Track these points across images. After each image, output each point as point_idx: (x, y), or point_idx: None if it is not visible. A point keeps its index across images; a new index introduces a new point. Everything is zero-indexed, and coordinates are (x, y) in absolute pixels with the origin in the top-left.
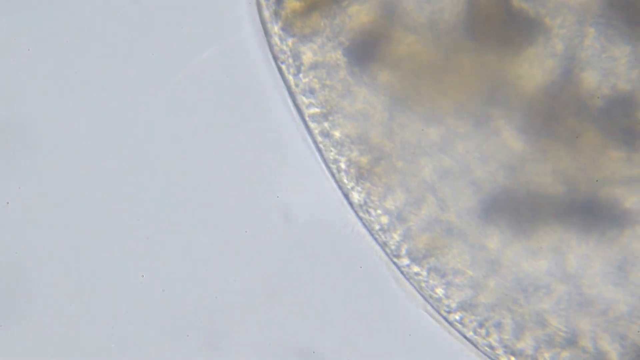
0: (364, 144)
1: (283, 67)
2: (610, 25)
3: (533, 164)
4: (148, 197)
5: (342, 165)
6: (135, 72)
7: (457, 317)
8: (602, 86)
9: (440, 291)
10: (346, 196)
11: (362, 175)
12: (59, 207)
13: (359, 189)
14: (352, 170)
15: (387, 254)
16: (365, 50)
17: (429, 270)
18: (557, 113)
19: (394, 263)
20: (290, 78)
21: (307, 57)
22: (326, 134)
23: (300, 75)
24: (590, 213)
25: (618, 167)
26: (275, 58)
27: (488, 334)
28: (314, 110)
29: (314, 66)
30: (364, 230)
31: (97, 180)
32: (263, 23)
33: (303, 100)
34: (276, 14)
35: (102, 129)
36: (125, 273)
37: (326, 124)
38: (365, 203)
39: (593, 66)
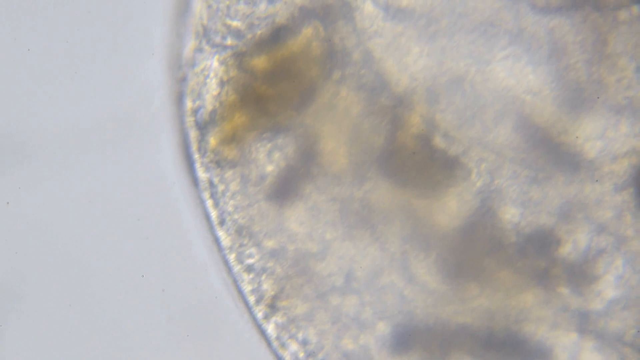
0: (277, 276)
1: (205, 195)
2: (528, 164)
3: (448, 300)
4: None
5: (253, 298)
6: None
7: None
8: (520, 224)
9: None
10: (260, 327)
11: (272, 307)
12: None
13: (272, 320)
14: (263, 306)
15: None
16: (285, 186)
17: None
18: (474, 251)
19: None
20: (211, 206)
21: (229, 186)
22: (243, 264)
23: (220, 203)
24: (506, 349)
25: (533, 305)
26: (195, 184)
27: None
28: (228, 241)
29: (234, 196)
30: None
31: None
32: (186, 149)
33: (221, 232)
34: (202, 140)
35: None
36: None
37: (240, 256)
38: (278, 337)
39: (510, 205)
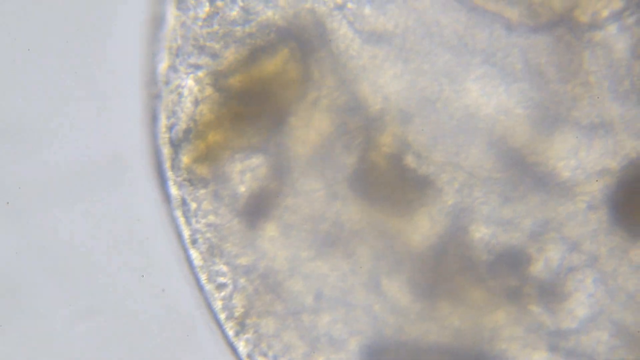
0: (247, 294)
1: (178, 214)
2: (501, 183)
3: (419, 319)
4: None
5: (224, 315)
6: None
7: None
8: (491, 243)
9: None
10: (232, 345)
11: (243, 325)
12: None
13: (243, 337)
14: (234, 323)
15: None
16: (257, 205)
17: None
18: (446, 269)
19: None
20: (183, 225)
21: (201, 205)
22: (214, 283)
23: (192, 222)
24: None
25: (504, 324)
26: (168, 202)
27: None
28: (199, 259)
29: (206, 214)
30: None
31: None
32: (160, 167)
33: (193, 251)
34: (175, 158)
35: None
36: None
37: (212, 274)
38: (250, 355)
39: (482, 223)
